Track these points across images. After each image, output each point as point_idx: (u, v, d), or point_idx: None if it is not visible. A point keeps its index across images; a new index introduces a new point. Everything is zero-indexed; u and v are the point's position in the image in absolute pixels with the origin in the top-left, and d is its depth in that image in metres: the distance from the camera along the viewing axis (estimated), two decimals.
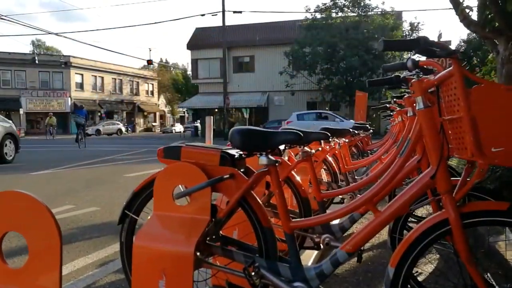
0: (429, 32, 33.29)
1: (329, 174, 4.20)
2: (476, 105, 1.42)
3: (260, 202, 1.77)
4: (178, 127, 51.77)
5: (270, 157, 1.74)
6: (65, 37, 47.87)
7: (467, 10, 5.60)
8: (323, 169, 4.15)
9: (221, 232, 1.86)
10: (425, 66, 1.86)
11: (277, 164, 1.75)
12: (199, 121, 36.87)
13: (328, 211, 4.03)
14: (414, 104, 1.66)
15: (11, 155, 9.94)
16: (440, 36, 12.80)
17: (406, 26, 26.95)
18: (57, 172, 8.11)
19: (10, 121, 10.60)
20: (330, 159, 4.24)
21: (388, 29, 25.36)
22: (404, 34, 26.60)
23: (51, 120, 28.72)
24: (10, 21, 66.55)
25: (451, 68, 1.45)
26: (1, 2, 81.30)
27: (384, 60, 26.13)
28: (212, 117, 4.39)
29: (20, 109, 37.31)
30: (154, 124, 56.14)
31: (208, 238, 1.81)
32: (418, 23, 26.31)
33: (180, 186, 1.79)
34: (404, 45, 1.49)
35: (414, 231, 1.53)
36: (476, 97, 1.42)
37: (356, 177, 4.85)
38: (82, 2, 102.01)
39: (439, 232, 1.51)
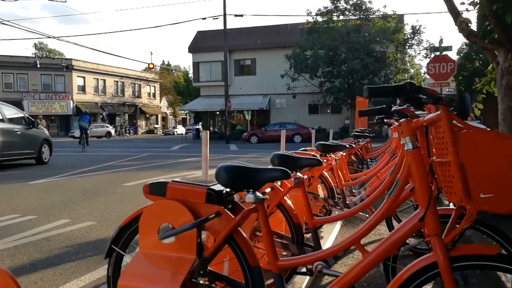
0: (431, 35, 33.31)
1: (326, 189, 4.17)
2: (464, 150, 1.39)
3: (248, 240, 1.74)
4: (180, 129, 51.87)
5: (258, 194, 1.71)
6: (67, 41, 47.99)
7: (466, 22, 5.55)
8: (319, 185, 4.13)
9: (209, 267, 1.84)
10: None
11: (264, 200, 1.73)
12: (201, 123, 36.90)
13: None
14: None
15: (47, 158, 11.95)
16: (441, 41, 12.75)
17: (407, 29, 26.89)
18: (54, 181, 8.09)
19: (45, 129, 12.65)
20: (326, 174, 4.21)
21: (389, 32, 25.31)
22: (406, 37, 26.53)
23: (41, 123, 28.86)
24: (12, 26, 66.94)
25: (439, 112, 1.42)
26: (4, 5, 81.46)
27: (386, 63, 26.10)
28: (208, 131, 4.36)
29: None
30: (156, 126, 56.21)
31: (194, 275, 1.78)
32: (420, 26, 26.30)
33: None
34: (389, 92, 1.46)
35: (402, 273, 1.51)
36: (464, 143, 1.39)
37: (353, 190, 4.82)
38: (84, 5, 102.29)
39: (428, 275, 1.49)
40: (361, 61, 24.78)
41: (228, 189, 1.75)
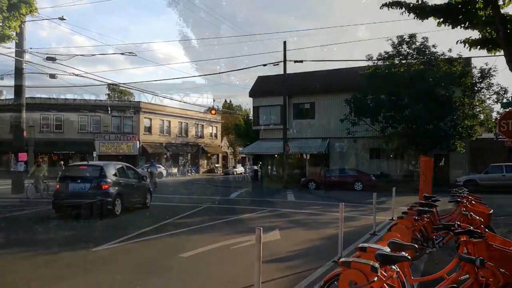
0: (502, 78, 31.32)
1: None
2: None
3: None
4: (239, 169, 52.67)
5: None
6: (135, 88, 50.66)
7: None
8: None
9: None
10: None
11: None
12: (260, 163, 37.02)
13: None
14: None
15: (148, 203, 15.39)
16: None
17: (475, 73, 25.55)
18: (116, 248, 8.23)
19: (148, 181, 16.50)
20: (386, 286, 3.92)
21: (455, 77, 24.19)
22: (474, 81, 25.23)
23: (40, 168, 29.76)
24: (87, 77, 73.49)
25: None
26: (82, 51, 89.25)
27: (452, 108, 24.82)
28: (261, 229, 4.29)
29: (94, 152, 39.86)
30: (216, 165, 57.44)
31: None
32: (489, 68, 24.79)
33: None
34: None
35: None
36: None
37: None
38: (156, 47, 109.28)
39: None
40: (425, 106, 23.74)
41: None
